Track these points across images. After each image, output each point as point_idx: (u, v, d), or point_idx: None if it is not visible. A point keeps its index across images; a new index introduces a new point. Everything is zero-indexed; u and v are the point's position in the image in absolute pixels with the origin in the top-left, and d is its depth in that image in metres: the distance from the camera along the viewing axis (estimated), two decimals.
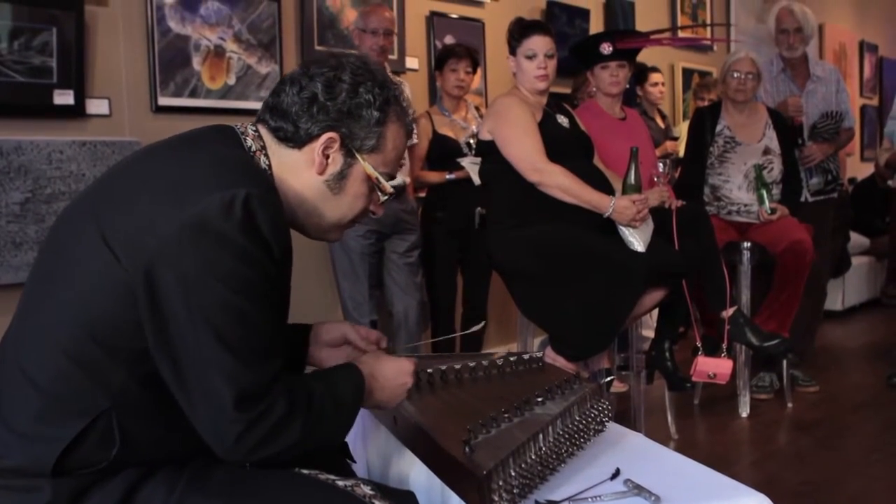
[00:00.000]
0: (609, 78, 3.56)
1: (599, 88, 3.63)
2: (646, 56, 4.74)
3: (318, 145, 1.42)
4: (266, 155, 1.43)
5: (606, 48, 3.50)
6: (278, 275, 1.31)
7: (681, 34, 6.16)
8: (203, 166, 1.32)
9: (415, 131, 3.91)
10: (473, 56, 4.16)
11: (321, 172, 1.44)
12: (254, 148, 1.42)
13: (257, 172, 1.38)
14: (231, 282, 1.23)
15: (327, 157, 1.43)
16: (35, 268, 1.41)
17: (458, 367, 1.95)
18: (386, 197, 1.52)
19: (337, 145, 1.43)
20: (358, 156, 1.45)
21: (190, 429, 1.28)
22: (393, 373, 1.52)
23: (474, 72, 4.18)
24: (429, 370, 1.90)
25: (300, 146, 1.43)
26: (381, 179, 1.48)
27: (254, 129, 1.46)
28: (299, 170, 1.44)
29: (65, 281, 1.31)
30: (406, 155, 3.80)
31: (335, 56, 1.48)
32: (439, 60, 4.15)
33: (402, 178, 3.73)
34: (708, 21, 6.93)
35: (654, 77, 5.42)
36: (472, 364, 1.97)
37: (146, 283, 1.23)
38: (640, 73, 5.37)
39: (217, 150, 1.38)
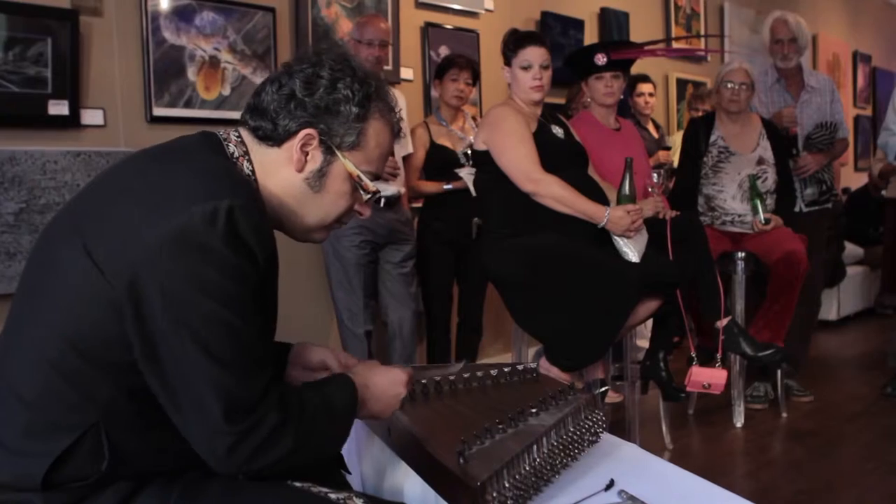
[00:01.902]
0: (603, 88, 3.57)
1: (594, 99, 3.64)
2: (639, 66, 4.75)
3: (296, 142, 1.41)
4: (249, 160, 1.42)
5: (601, 59, 3.51)
6: (264, 285, 1.30)
7: (675, 45, 6.18)
8: (185, 176, 1.31)
9: (404, 133, 3.91)
10: (475, 67, 4.18)
11: (300, 170, 1.42)
12: (236, 154, 1.42)
13: (240, 181, 1.36)
14: (216, 294, 1.22)
15: (306, 154, 1.42)
16: (21, 282, 1.40)
17: (452, 377, 1.95)
18: (369, 195, 1.49)
19: (315, 142, 1.41)
20: (338, 152, 1.43)
21: (181, 442, 1.27)
22: (386, 383, 1.51)
23: (474, 84, 4.20)
24: (423, 381, 1.90)
25: (279, 144, 1.42)
26: (363, 177, 1.46)
27: (236, 134, 1.45)
28: (280, 168, 1.43)
29: (50, 295, 1.30)
30: (402, 165, 3.83)
31: (316, 53, 1.46)
32: (440, 70, 4.16)
33: (396, 188, 3.75)
34: (702, 32, 6.96)
35: (642, 87, 5.39)
36: (466, 375, 1.97)
37: (131, 296, 1.22)
38: (629, 84, 5.36)
39: (199, 159, 1.37)
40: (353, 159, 1.44)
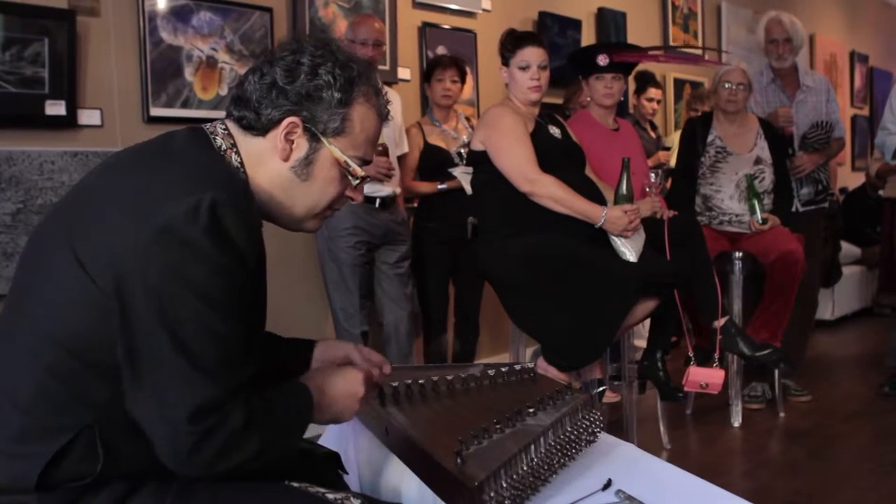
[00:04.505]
0: (603, 89, 3.56)
1: (593, 99, 3.64)
2: (638, 66, 4.75)
3: (280, 131, 1.40)
4: (237, 152, 1.41)
5: (603, 60, 3.51)
6: (250, 281, 1.29)
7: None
8: (170, 173, 1.30)
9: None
10: (460, 65, 4.17)
11: (286, 159, 1.41)
12: (224, 147, 1.40)
13: (227, 174, 1.36)
14: (197, 289, 1.21)
15: (291, 142, 1.41)
16: (13, 285, 1.39)
17: (449, 377, 1.95)
18: (358, 180, 1.48)
19: (299, 130, 1.40)
20: (323, 139, 1.42)
21: None
22: (341, 386, 1.49)
23: (462, 81, 4.19)
24: (420, 381, 1.90)
25: (264, 133, 1.41)
26: (350, 163, 1.44)
27: (223, 126, 1.44)
28: (266, 158, 1.42)
29: (41, 299, 1.29)
30: (396, 165, 3.84)
31: (297, 40, 1.45)
32: (427, 71, 4.17)
33: (391, 188, 3.75)
34: (699, 32, 6.96)
35: (652, 92, 5.40)
36: (463, 375, 1.97)
37: (117, 295, 1.21)
38: (640, 84, 5.37)
39: (185, 155, 1.36)
40: (338, 145, 1.43)
